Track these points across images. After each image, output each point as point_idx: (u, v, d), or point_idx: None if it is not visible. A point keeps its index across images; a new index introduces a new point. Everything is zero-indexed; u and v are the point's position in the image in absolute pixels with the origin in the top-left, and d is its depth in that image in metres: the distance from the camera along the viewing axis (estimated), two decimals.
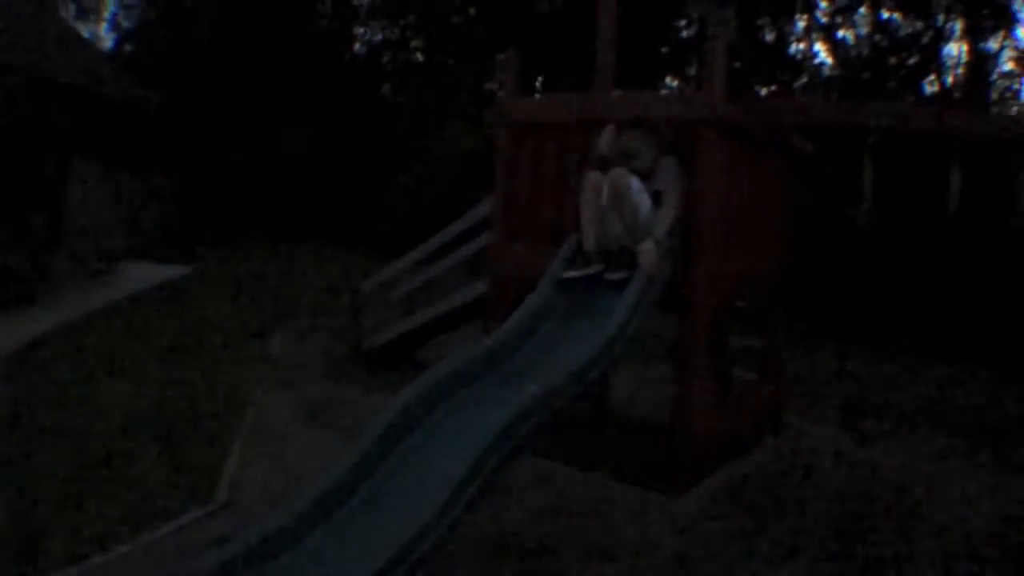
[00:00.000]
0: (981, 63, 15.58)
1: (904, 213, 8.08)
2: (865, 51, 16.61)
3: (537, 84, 17.15)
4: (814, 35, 17.19)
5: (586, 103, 5.29)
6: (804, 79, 17.00)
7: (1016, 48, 16.91)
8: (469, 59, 17.12)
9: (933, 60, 15.66)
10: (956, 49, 16.77)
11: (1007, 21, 15.73)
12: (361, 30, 21.81)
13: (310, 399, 6.87)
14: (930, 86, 16.40)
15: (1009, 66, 17.19)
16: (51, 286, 9.95)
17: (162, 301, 10.54)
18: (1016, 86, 17.59)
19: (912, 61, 15.95)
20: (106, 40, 24.01)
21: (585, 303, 4.65)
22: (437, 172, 9.55)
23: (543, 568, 4.13)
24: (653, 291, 4.51)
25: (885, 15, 16.47)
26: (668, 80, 19.37)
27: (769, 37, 18.12)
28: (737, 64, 15.05)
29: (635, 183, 4.73)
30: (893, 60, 15.78)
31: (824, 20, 17.35)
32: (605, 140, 4.91)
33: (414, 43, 20.94)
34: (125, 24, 22.74)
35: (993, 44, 16.41)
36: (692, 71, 18.39)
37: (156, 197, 15.03)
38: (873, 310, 7.74)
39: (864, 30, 17.16)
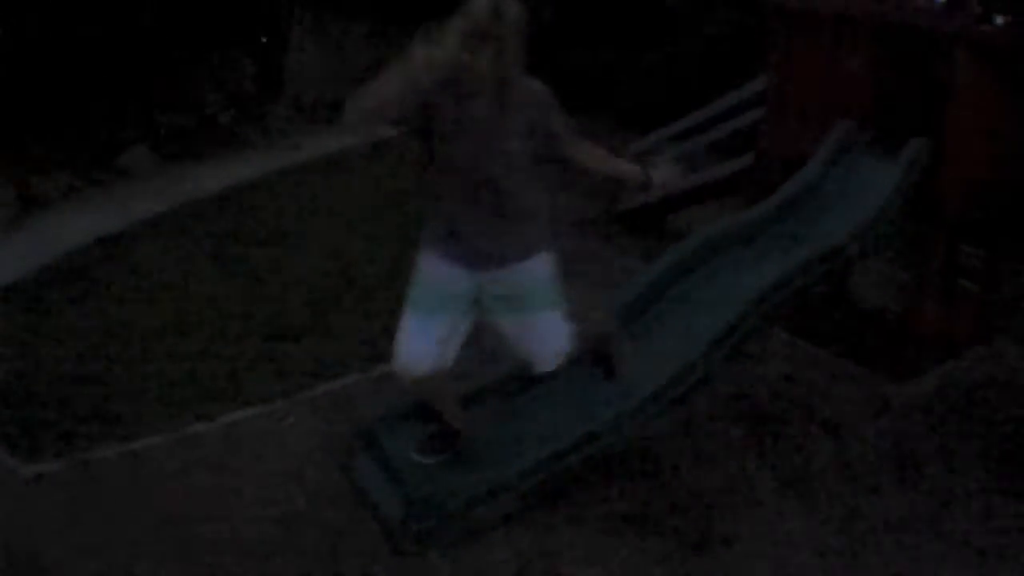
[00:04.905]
0: None
1: None
2: None
3: None
4: None
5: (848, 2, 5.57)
6: None
7: None
8: None
9: None
10: None
11: None
12: None
13: (561, 252, 7.04)
14: None
15: None
16: (268, 138, 10.26)
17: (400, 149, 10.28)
18: None
19: None
20: None
21: (847, 182, 5.12)
22: (683, 52, 9.65)
23: (771, 431, 4.69)
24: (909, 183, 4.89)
25: None
26: None
27: None
28: None
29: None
30: None
31: None
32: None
33: None
34: None
35: None
36: None
37: (382, 46, 15.50)
38: None
39: None
